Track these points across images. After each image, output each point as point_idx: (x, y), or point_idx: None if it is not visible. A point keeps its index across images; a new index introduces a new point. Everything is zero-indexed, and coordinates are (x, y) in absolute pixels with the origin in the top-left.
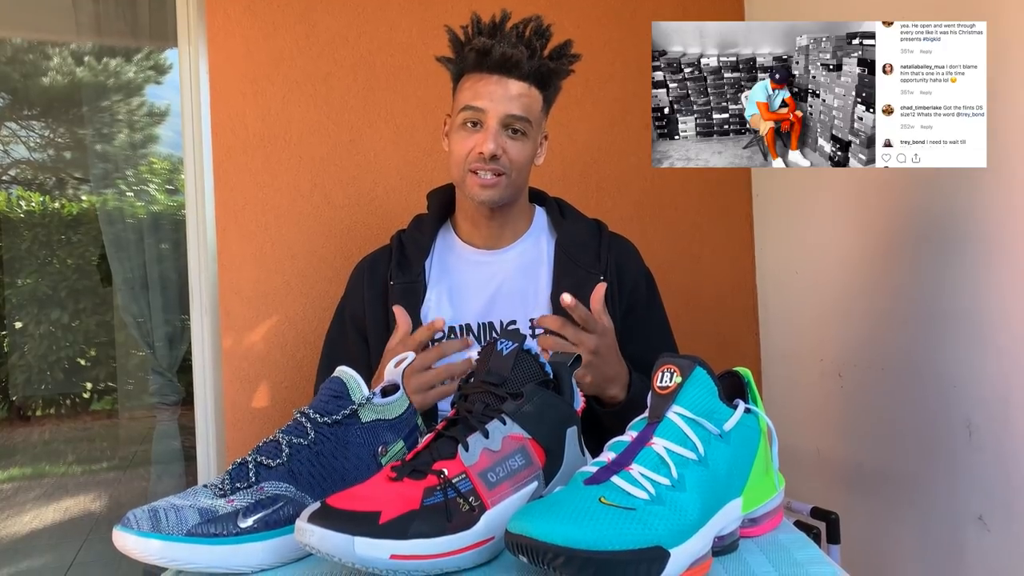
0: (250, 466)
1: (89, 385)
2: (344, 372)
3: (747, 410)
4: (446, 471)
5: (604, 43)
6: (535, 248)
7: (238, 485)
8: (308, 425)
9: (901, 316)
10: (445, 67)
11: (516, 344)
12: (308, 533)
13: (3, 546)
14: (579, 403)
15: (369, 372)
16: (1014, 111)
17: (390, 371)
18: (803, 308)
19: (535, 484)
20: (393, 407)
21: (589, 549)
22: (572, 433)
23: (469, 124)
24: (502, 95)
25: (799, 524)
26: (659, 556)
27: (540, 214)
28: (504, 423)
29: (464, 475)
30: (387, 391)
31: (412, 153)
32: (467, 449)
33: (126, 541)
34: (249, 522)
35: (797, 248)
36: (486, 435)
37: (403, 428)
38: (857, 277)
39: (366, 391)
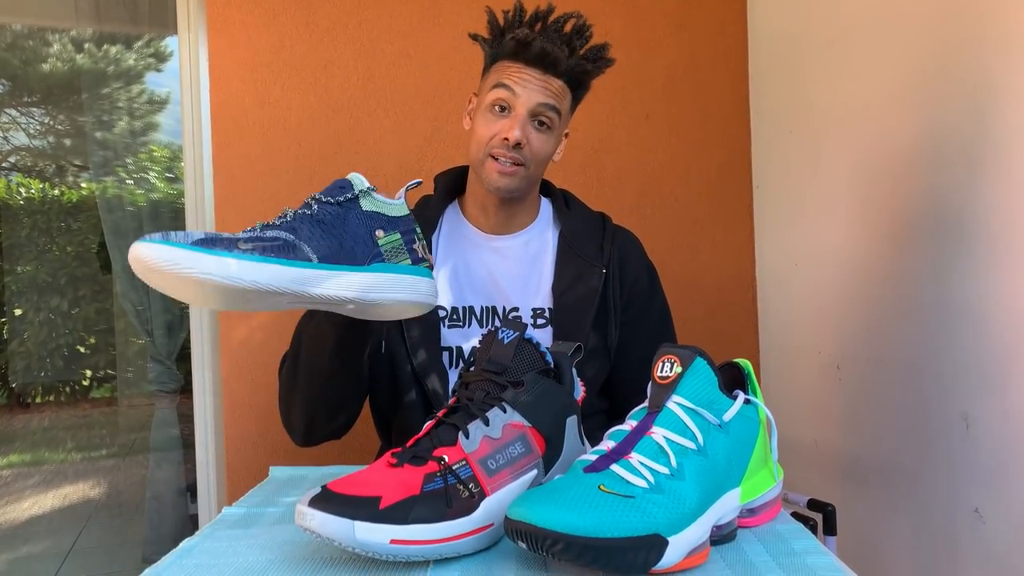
0: (256, 227)
1: (88, 372)
2: (352, 175)
3: (747, 401)
4: (446, 458)
5: (604, 34)
6: (540, 238)
7: (242, 234)
8: (312, 202)
9: (899, 309)
10: (480, 46)
11: (517, 333)
12: (309, 517)
13: (2, 532)
14: (579, 392)
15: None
16: (1015, 110)
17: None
18: (802, 301)
19: (535, 472)
20: (392, 208)
21: (588, 536)
22: (572, 422)
23: (497, 108)
24: (536, 86)
25: (796, 515)
26: (657, 544)
27: (546, 205)
28: (504, 411)
29: (464, 462)
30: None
31: (411, 141)
32: (467, 436)
33: (140, 250)
34: (248, 246)
35: (797, 241)
36: (486, 423)
37: (400, 225)
38: (856, 270)
39: (367, 184)
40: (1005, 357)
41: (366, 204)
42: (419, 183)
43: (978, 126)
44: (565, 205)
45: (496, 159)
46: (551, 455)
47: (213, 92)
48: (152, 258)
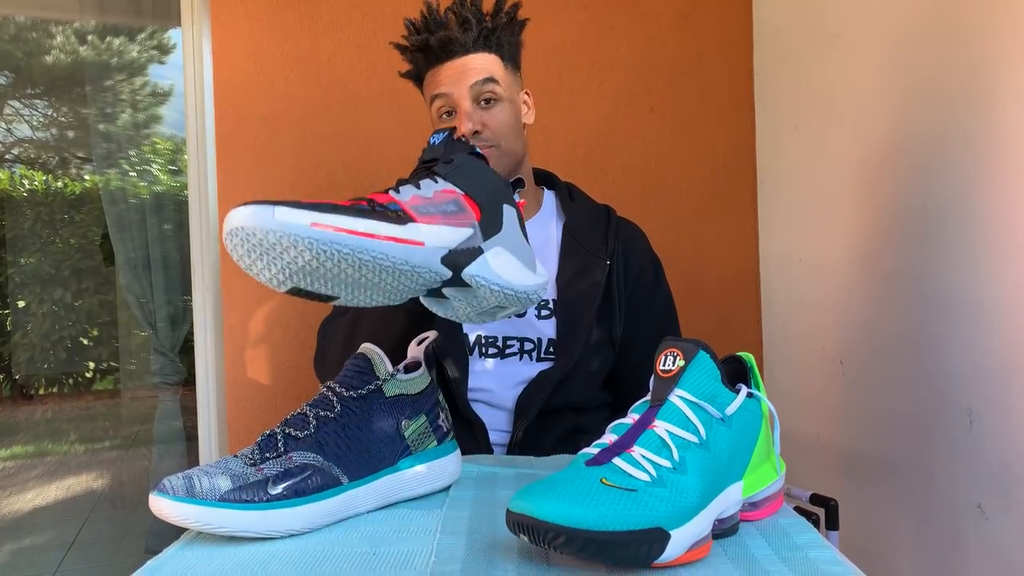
0: (279, 437)
1: (92, 364)
2: (368, 349)
3: (749, 394)
4: (376, 200)
5: (609, 27)
6: (544, 230)
7: (267, 455)
8: (334, 399)
9: (903, 304)
10: (412, 81)
11: (447, 132)
12: (232, 217)
13: (6, 523)
14: (518, 199)
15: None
16: (1015, 107)
17: (412, 349)
18: (805, 295)
19: (471, 231)
20: (415, 383)
21: (590, 529)
22: (511, 212)
23: (444, 115)
24: (458, 75)
25: (798, 510)
26: (659, 537)
27: (550, 197)
28: (436, 182)
29: (394, 203)
30: (409, 368)
31: (415, 134)
32: (398, 192)
33: (162, 506)
34: (279, 489)
35: (800, 235)
36: (418, 187)
37: (424, 403)
38: (860, 264)
39: (390, 367)
40: (1010, 353)
41: (390, 389)
42: (436, 335)
43: (984, 121)
44: (569, 197)
45: None
46: (488, 225)
47: (216, 84)
48: (176, 517)
